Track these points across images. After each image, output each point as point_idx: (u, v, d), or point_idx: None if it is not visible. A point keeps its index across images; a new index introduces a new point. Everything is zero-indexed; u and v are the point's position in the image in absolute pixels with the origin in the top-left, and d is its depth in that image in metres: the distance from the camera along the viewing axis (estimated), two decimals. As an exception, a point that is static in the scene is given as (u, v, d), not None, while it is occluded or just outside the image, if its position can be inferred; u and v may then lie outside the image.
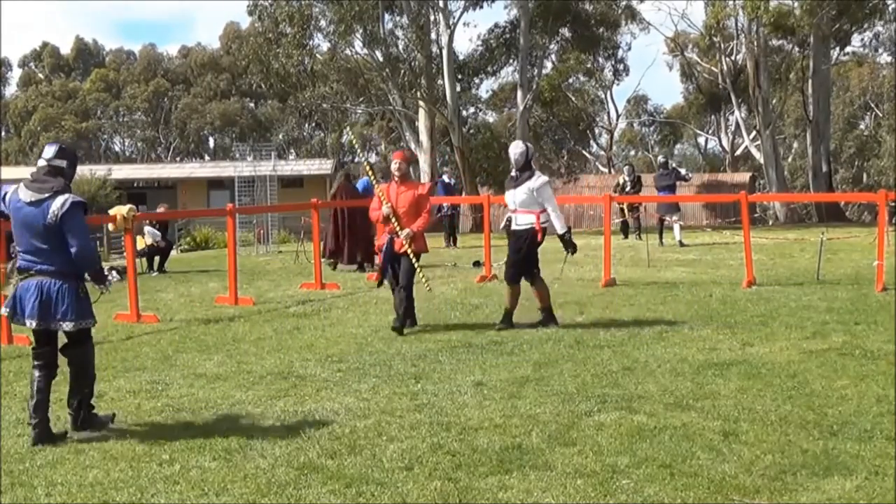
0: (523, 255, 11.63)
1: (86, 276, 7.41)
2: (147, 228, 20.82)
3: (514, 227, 11.63)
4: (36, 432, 7.12)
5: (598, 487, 5.87)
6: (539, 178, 11.61)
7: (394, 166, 11.84)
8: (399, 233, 11.47)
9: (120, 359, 10.33)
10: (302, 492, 5.94)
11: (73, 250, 7.11)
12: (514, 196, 11.56)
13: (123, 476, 6.29)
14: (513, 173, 11.75)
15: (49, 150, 7.35)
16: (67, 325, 7.22)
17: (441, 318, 12.52)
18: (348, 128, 14.40)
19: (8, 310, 7.32)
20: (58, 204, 7.07)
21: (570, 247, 11.85)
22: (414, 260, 11.48)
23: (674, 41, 56.91)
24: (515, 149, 11.78)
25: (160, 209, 20.96)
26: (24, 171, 36.43)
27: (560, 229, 11.55)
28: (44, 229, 7.09)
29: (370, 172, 13.44)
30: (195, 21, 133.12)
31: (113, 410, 7.74)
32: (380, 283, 12.40)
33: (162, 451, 6.80)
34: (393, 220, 11.50)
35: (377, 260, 12.88)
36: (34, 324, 7.19)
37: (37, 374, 7.26)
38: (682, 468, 6.16)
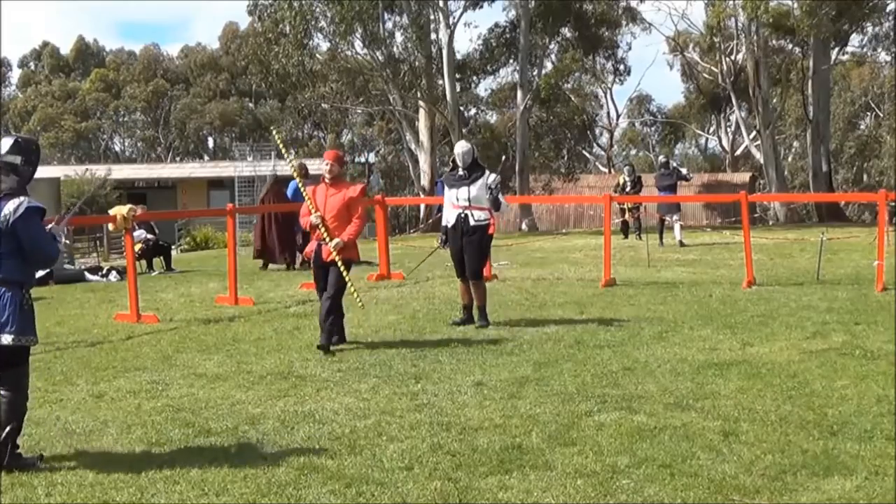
0: (479, 249, 11.95)
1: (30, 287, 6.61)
2: (135, 234, 20.79)
3: (472, 223, 11.80)
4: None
5: (599, 487, 5.87)
6: (493, 176, 12.02)
7: (324, 167, 10.97)
8: (326, 241, 10.57)
9: (120, 359, 10.33)
10: (302, 492, 5.94)
11: (33, 256, 6.47)
12: (469, 193, 11.81)
13: (123, 476, 6.28)
14: (461, 172, 11.91)
15: (3, 145, 6.52)
16: (6, 339, 6.38)
17: (441, 319, 12.52)
18: (275, 130, 13.84)
19: None
20: (10, 208, 6.34)
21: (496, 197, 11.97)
22: (344, 271, 10.54)
23: (674, 41, 56.88)
24: (462, 148, 12.09)
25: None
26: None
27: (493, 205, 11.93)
28: None
29: (298, 176, 12.54)
30: (194, 22, 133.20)
31: (41, 452, 6.79)
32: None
33: (162, 451, 6.80)
34: (321, 228, 10.61)
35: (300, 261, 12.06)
36: None
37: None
38: (682, 468, 6.16)
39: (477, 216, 11.82)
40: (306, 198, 10.90)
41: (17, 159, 6.52)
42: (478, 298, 11.96)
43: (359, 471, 6.28)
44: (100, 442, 7.09)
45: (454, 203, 11.95)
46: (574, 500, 5.73)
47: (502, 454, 6.53)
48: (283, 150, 12.45)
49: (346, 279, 10.55)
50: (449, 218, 12.06)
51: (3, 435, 6.43)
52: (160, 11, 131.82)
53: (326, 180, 10.89)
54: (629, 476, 6.05)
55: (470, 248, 11.88)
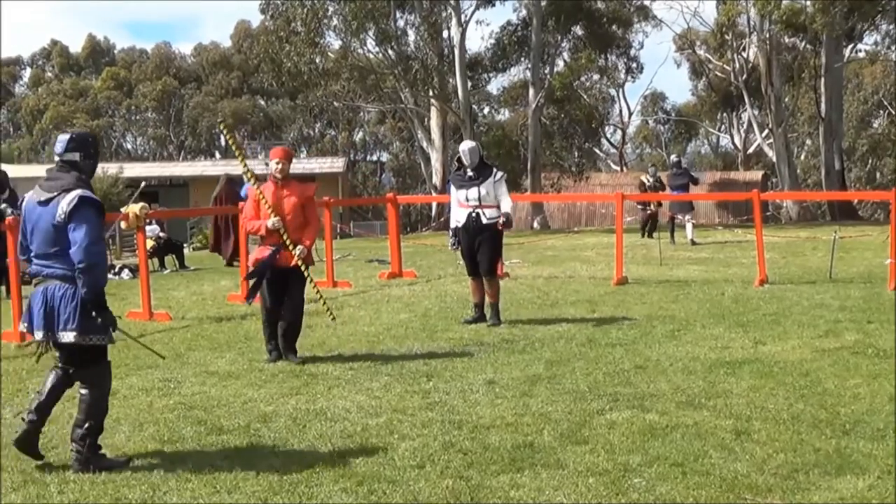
0: (493, 246, 11.96)
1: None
2: (148, 228, 20.88)
3: (484, 221, 11.80)
4: (23, 431, 6.52)
5: (610, 486, 5.87)
6: (500, 174, 12.09)
7: (275, 166, 9.98)
8: (289, 246, 9.84)
9: (132, 356, 10.34)
10: (313, 490, 5.94)
11: (72, 257, 6.26)
12: (479, 192, 11.81)
13: (135, 473, 6.30)
14: (469, 173, 11.89)
15: (59, 144, 6.56)
16: (68, 336, 6.35)
17: (453, 317, 12.52)
18: (222, 123, 12.29)
19: (26, 324, 6.58)
20: (66, 201, 6.30)
21: (509, 222, 12.02)
22: (311, 281, 10.14)
23: (683, 38, 56.69)
24: (467, 146, 12.15)
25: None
26: (35, 170, 36.44)
27: (507, 208, 11.92)
28: (53, 230, 6.34)
29: (251, 179, 10.37)
30: (205, 20, 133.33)
31: (128, 456, 6.78)
32: (249, 299, 10.55)
33: (174, 449, 6.81)
34: (283, 233, 9.82)
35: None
36: (40, 335, 6.43)
37: (52, 374, 6.61)
38: (693, 467, 6.15)
39: (489, 214, 11.83)
40: (261, 200, 9.98)
41: (76, 155, 6.56)
42: (491, 295, 11.96)
43: (370, 469, 6.28)
44: (112, 440, 7.09)
45: (462, 202, 11.96)
46: (586, 498, 5.72)
47: (514, 452, 6.53)
48: (235, 149, 10.84)
49: (316, 290, 10.21)
50: (458, 217, 12.03)
51: (80, 434, 6.46)
52: (171, 10, 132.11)
53: (277, 180, 10.05)
54: (641, 475, 6.05)
55: (483, 246, 11.89)
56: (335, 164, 50.77)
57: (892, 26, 45.93)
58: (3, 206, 15.62)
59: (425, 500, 5.76)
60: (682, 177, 24.91)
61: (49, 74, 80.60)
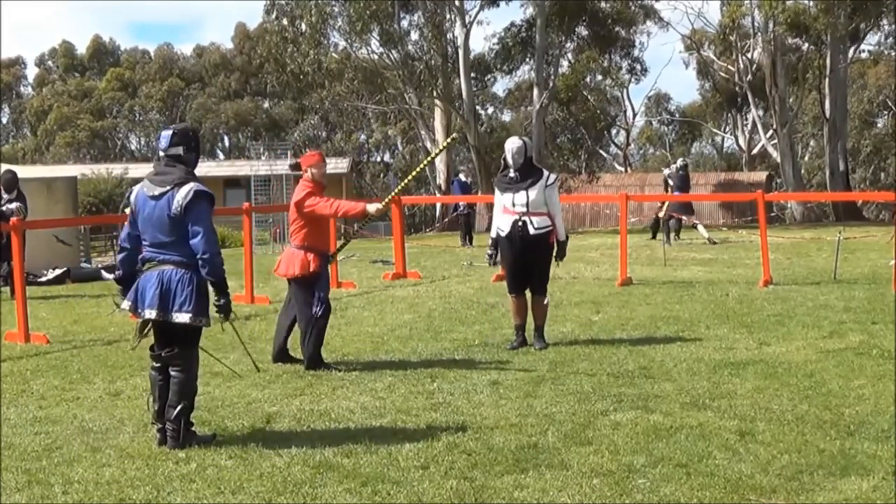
0: (547, 260, 10.47)
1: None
2: None
3: (532, 231, 10.21)
4: (160, 437, 6.93)
5: (614, 487, 5.86)
6: (553, 177, 10.56)
7: (322, 170, 10.25)
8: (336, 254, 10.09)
9: (136, 357, 10.31)
10: (318, 490, 5.94)
11: (194, 248, 6.80)
12: (527, 197, 10.20)
13: (140, 474, 6.30)
14: (512, 174, 10.31)
15: (163, 140, 6.98)
16: (184, 317, 6.80)
17: (457, 318, 12.51)
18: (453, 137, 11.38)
19: (129, 303, 7.02)
20: (181, 194, 6.78)
21: (563, 254, 10.65)
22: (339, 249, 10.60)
23: (690, 39, 56.66)
24: (513, 145, 10.37)
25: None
26: (39, 170, 36.43)
27: (563, 235, 10.53)
28: (169, 221, 6.80)
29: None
30: (206, 22, 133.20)
31: (214, 431, 7.24)
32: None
33: (178, 450, 6.81)
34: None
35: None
36: (153, 314, 6.83)
37: (158, 376, 6.99)
38: (698, 468, 6.15)
39: (537, 223, 10.22)
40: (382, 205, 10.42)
41: (180, 149, 6.99)
42: (539, 317, 10.53)
43: (374, 469, 6.28)
44: (116, 440, 7.11)
45: (508, 208, 10.34)
46: (590, 499, 5.72)
47: (518, 453, 6.53)
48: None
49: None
50: (502, 226, 10.40)
51: (175, 413, 6.85)
52: (172, 12, 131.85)
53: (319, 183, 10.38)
54: (645, 475, 6.05)
55: (536, 261, 10.37)
56: (339, 166, 50.72)
57: (895, 26, 45.87)
58: (13, 206, 15.62)
59: (429, 501, 5.75)
60: (684, 179, 25.03)
61: (54, 75, 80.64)
